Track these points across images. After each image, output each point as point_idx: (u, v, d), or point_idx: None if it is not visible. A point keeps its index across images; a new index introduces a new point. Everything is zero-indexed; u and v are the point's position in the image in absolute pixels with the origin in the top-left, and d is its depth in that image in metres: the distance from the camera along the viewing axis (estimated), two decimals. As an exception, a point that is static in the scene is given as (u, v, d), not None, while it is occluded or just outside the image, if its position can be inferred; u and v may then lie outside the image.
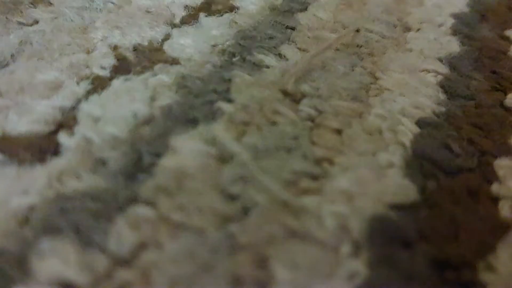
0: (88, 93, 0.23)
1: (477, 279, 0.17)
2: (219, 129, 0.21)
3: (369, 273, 0.17)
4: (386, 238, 0.18)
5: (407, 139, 0.22)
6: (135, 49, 0.26)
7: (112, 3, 0.29)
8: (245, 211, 0.18)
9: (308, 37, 0.28)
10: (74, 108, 0.22)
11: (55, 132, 0.21)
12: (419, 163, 0.21)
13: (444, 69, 0.26)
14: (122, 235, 0.17)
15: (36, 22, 0.27)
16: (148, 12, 0.29)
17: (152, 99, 0.23)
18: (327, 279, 0.17)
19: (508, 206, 0.20)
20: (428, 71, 0.26)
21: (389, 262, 0.17)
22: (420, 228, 0.18)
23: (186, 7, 0.30)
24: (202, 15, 0.29)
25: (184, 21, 0.28)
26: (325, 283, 0.17)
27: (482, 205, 0.20)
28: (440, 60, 0.27)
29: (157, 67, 0.25)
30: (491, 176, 0.21)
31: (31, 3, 0.29)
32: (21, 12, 0.28)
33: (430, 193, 0.20)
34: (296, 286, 0.17)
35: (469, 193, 0.20)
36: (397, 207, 0.19)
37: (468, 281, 0.17)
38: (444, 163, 0.21)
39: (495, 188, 0.20)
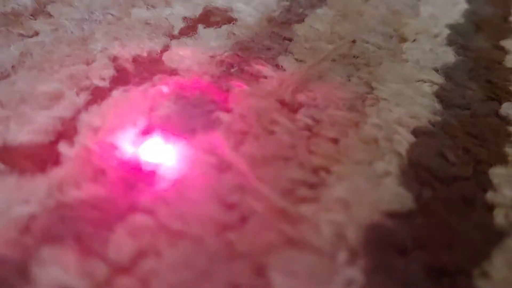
0: (88, 104, 0.23)
1: (472, 286, 0.17)
2: (218, 139, 0.21)
3: (365, 281, 0.17)
4: (382, 245, 0.18)
5: (403, 148, 0.22)
6: (135, 60, 0.26)
7: (112, 14, 0.30)
8: (243, 219, 0.19)
9: (305, 48, 0.28)
10: (74, 118, 0.22)
11: (55, 142, 0.21)
12: (415, 171, 0.21)
13: (439, 79, 0.27)
14: (121, 243, 0.17)
15: (37, 33, 0.28)
16: (147, 23, 0.29)
17: (151, 109, 0.23)
18: (324, 286, 0.17)
19: (502, 214, 0.20)
20: (424, 81, 0.26)
21: (385, 270, 0.17)
22: (415, 236, 0.19)
23: (184, 18, 0.30)
24: (200, 26, 0.29)
25: (183, 33, 0.29)
26: (322, 291, 0.17)
27: (477, 213, 0.20)
28: (436, 70, 0.27)
29: (156, 77, 0.25)
30: (486, 185, 0.21)
31: (32, 15, 0.29)
32: (22, 24, 0.28)
33: (426, 201, 0.20)
34: (293, 294, 0.17)
35: (464, 201, 0.20)
36: (393, 215, 0.19)
37: (463, 288, 0.18)
38: (440, 171, 0.21)
39: (490, 196, 0.21)
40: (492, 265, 0.18)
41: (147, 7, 0.31)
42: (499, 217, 0.20)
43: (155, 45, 0.27)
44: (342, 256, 0.18)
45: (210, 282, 0.17)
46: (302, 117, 0.23)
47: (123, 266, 0.17)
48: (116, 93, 0.24)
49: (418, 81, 0.26)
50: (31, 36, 0.28)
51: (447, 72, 0.27)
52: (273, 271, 0.17)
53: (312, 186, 0.20)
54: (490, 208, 0.20)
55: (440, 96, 0.25)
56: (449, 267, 0.18)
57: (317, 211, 0.19)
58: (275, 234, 0.18)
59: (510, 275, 0.18)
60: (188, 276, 0.17)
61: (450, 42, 0.30)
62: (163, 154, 0.21)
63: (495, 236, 0.19)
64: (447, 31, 0.31)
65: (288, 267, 0.17)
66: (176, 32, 0.29)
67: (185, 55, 0.27)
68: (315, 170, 0.21)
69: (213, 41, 0.28)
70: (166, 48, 0.27)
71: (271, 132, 0.22)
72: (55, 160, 0.20)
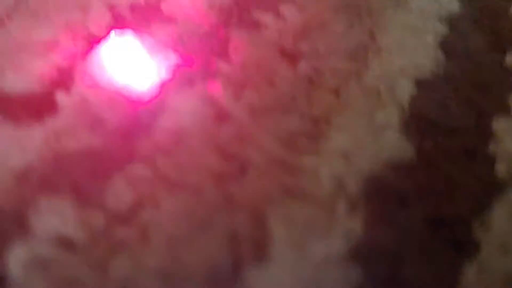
0: (85, 52, 0.23)
1: (472, 236, 0.18)
2: (217, 89, 0.21)
3: (365, 231, 0.17)
4: (382, 197, 0.18)
5: (404, 99, 0.22)
6: (132, 8, 0.26)
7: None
8: (243, 170, 0.19)
9: (307, -3, 0.28)
10: (71, 67, 0.22)
11: (52, 91, 0.21)
12: (416, 123, 0.21)
13: (443, 29, 0.26)
14: (120, 193, 0.17)
15: (31, -20, 0.27)
16: (145, -30, 0.29)
17: (149, 59, 0.22)
18: (324, 237, 0.17)
19: (504, 166, 0.20)
20: (428, 31, 0.26)
21: (385, 221, 0.18)
22: (416, 187, 0.19)
23: (183, -35, 0.29)
24: (199, -26, 0.29)
25: (181, -20, 0.28)
26: (322, 241, 0.17)
27: (478, 165, 0.20)
28: (440, 20, 0.27)
29: (154, 26, 0.24)
30: (488, 136, 0.21)
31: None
32: (16, -30, 0.28)
33: (427, 152, 0.20)
34: (293, 244, 0.17)
35: (466, 153, 0.20)
36: (394, 166, 0.19)
37: (463, 238, 0.18)
38: (442, 123, 0.21)
39: (492, 148, 0.20)
40: (492, 217, 0.18)
41: (144, -46, 0.30)
42: (501, 169, 0.20)
43: (153, -7, 0.27)
44: (342, 207, 0.18)
45: (209, 233, 0.17)
46: (303, 67, 0.23)
47: (121, 216, 0.17)
48: (113, 42, 0.23)
49: (422, 31, 0.26)
50: (26, -17, 0.27)
51: (451, 22, 0.27)
52: (272, 222, 0.17)
53: (312, 137, 0.20)
54: (491, 160, 0.20)
55: (444, 46, 0.25)
56: (449, 218, 0.18)
57: (317, 162, 0.19)
58: (274, 185, 0.18)
59: (510, 226, 0.18)
60: (187, 226, 0.17)
61: (455, -9, 0.29)
62: (161, 102, 0.20)
63: (496, 188, 0.19)
64: (452, -20, 0.30)
65: (288, 218, 0.17)
66: (174, -21, 0.28)
67: (184, 3, 0.26)
68: (316, 121, 0.20)
69: (212, -11, 0.27)
70: (164, -4, 0.27)
71: (271, 83, 0.22)
72: (52, 109, 0.20)
